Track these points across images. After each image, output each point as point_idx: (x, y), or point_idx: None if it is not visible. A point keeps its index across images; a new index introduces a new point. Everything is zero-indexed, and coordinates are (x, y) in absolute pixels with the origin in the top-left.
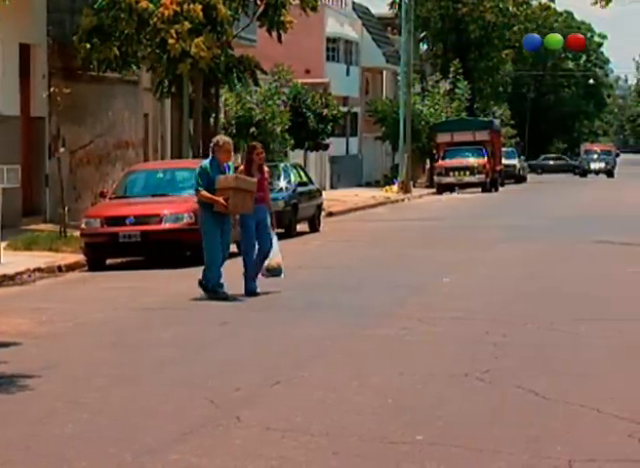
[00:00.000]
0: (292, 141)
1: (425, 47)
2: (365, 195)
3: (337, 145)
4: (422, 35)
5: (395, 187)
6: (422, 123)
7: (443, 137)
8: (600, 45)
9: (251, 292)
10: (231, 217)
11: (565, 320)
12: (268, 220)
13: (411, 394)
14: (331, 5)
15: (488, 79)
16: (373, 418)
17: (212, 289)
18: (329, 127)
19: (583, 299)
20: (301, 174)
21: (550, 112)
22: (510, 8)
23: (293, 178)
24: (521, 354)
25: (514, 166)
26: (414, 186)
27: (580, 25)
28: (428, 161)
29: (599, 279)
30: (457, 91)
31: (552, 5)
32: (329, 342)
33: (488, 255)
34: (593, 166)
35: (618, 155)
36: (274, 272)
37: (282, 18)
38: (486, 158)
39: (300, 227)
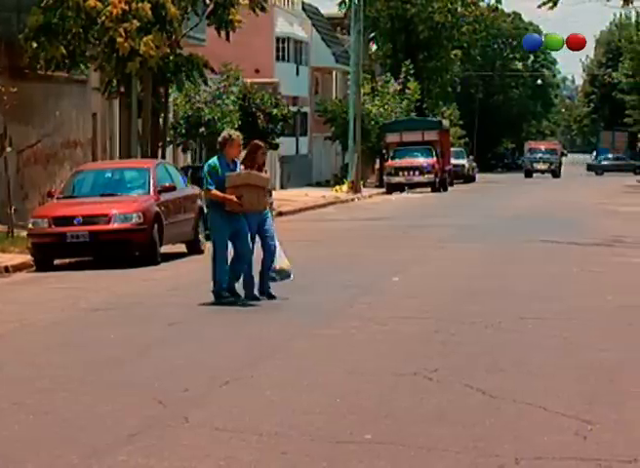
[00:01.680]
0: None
1: (375, 47)
2: (315, 195)
3: (286, 145)
4: (372, 35)
5: (345, 187)
6: (372, 123)
7: (392, 137)
8: None
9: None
10: (242, 218)
11: (513, 318)
12: (270, 220)
13: (359, 393)
14: (280, 5)
15: (437, 79)
16: (321, 418)
17: (217, 292)
18: (279, 127)
19: (531, 298)
20: None
21: (499, 112)
22: (459, 9)
23: None
24: (469, 353)
25: (463, 166)
26: (364, 186)
27: (529, 26)
28: (378, 161)
29: (546, 278)
30: (406, 91)
31: (500, 6)
32: (278, 342)
33: (437, 255)
34: (537, 166)
35: (564, 154)
36: (284, 275)
37: (231, 17)
38: (435, 158)
39: None
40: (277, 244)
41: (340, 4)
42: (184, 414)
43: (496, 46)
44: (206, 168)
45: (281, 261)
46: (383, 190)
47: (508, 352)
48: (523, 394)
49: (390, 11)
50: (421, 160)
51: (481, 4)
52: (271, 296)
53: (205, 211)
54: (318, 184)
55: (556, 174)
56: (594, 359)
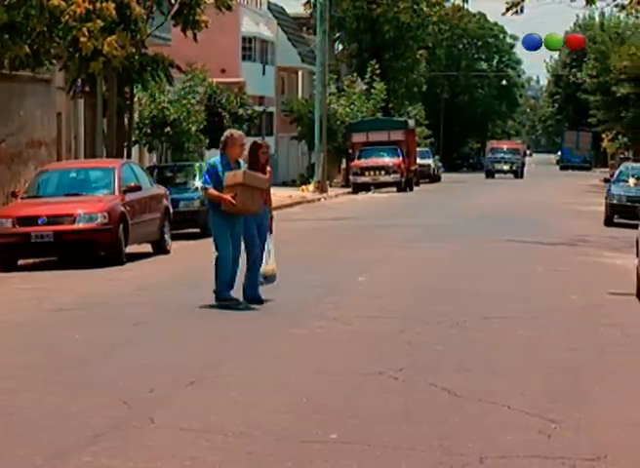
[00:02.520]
0: (207, 141)
1: (341, 47)
2: (281, 194)
3: None
4: (338, 35)
5: (311, 187)
6: (338, 122)
7: (358, 137)
8: (512, 46)
9: (255, 298)
10: (241, 221)
11: (478, 318)
12: (267, 221)
13: (325, 393)
14: (246, 4)
15: (403, 79)
16: (287, 417)
17: (219, 294)
18: (244, 126)
19: (496, 298)
20: None
21: (464, 112)
22: (424, 9)
23: None
24: (435, 352)
25: (429, 165)
26: (330, 186)
27: (493, 27)
28: (344, 160)
29: (511, 277)
30: (372, 91)
31: (466, 6)
32: (244, 342)
33: (403, 255)
34: (499, 166)
35: (527, 154)
36: (270, 279)
37: (197, 17)
38: (401, 158)
39: None
40: (270, 247)
41: (305, 4)
42: (150, 415)
43: (461, 46)
44: (206, 166)
45: (270, 265)
46: (350, 190)
47: (473, 351)
48: (488, 393)
49: (356, 11)
50: (387, 160)
51: (446, 4)
52: (260, 301)
53: (171, 211)
54: (284, 184)
55: (518, 174)
56: (558, 358)
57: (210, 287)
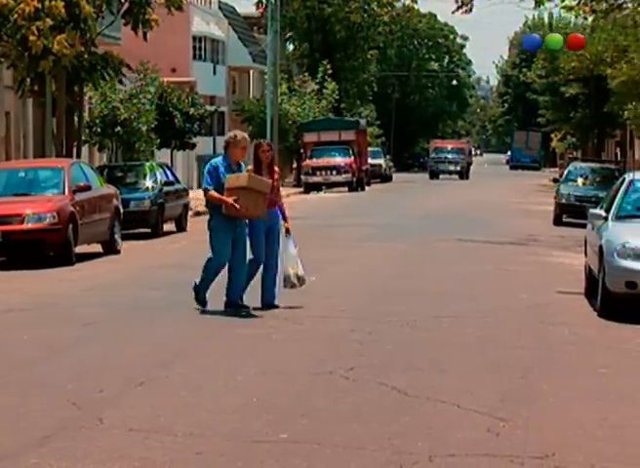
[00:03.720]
0: (158, 141)
1: (292, 47)
2: None
3: (204, 145)
4: (289, 35)
5: None
6: (290, 122)
7: (310, 137)
8: (462, 46)
9: (237, 303)
10: (243, 224)
11: (428, 317)
12: (280, 227)
13: (276, 392)
14: (196, 4)
15: (354, 79)
16: (237, 417)
17: (199, 301)
18: (195, 126)
19: (446, 297)
20: (168, 173)
21: (415, 112)
22: (375, 9)
23: (159, 178)
24: (385, 351)
25: (380, 165)
26: (282, 185)
27: (444, 27)
28: (296, 160)
29: (461, 277)
30: (324, 91)
31: (416, 7)
32: (194, 342)
33: (354, 254)
34: (443, 166)
35: (473, 154)
36: (298, 282)
37: (147, 16)
38: (352, 157)
39: (166, 227)
40: (294, 250)
41: (256, 4)
42: (99, 416)
43: (412, 46)
44: (207, 167)
45: (293, 268)
46: (301, 190)
47: (423, 350)
48: (437, 392)
49: (307, 11)
50: (339, 160)
51: (397, 4)
52: (274, 306)
53: (121, 210)
54: None
55: (464, 175)
56: (507, 357)
57: (161, 286)
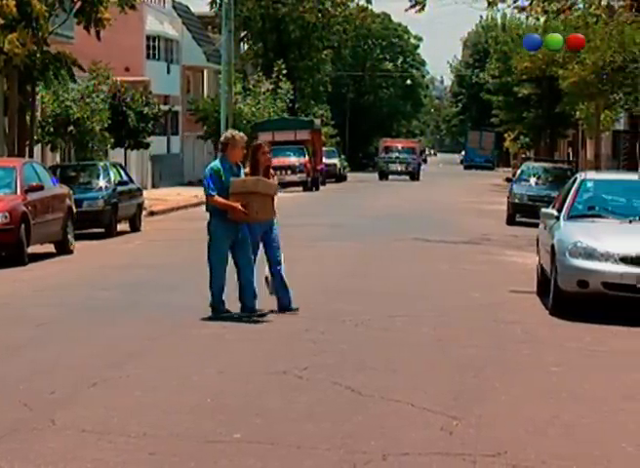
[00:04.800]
0: (112, 140)
1: (247, 46)
2: (187, 194)
3: (158, 144)
4: (243, 34)
5: None
6: (245, 122)
7: (265, 137)
8: (416, 47)
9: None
10: (245, 226)
11: (382, 317)
12: (277, 230)
13: (230, 392)
14: (150, 3)
15: (309, 79)
16: (191, 418)
17: (212, 307)
18: (149, 125)
19: (400, 296)
20: (121, 172)
21: (369, 112)
22: (329, 9)
23: (112, 177)
24: (339, 351)
25: (335, 165)
26: None
27: (397, 27)
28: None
29: (416, 276)
30: (279, 91)
31: (370, 7)
32: (148, 342)
33: (309, 254)
34: (393, 166)
35: (425, 153)
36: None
37: (100, 14)
38: (307, 157)
39: (120, 227)
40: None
41: (210, 3)
42: (51, 417)
43: (366, 46)
44: (208, 171)
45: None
46: None
47: (377, 350)
48: (391, 391)
49: (261, 10)
50: (294, 159)
51: (351, 4)
52: (290, 309)
53: (74, 210)
54: (190, 184)
55: (415, 176)
56: (461, 355)
57: (115, 286)
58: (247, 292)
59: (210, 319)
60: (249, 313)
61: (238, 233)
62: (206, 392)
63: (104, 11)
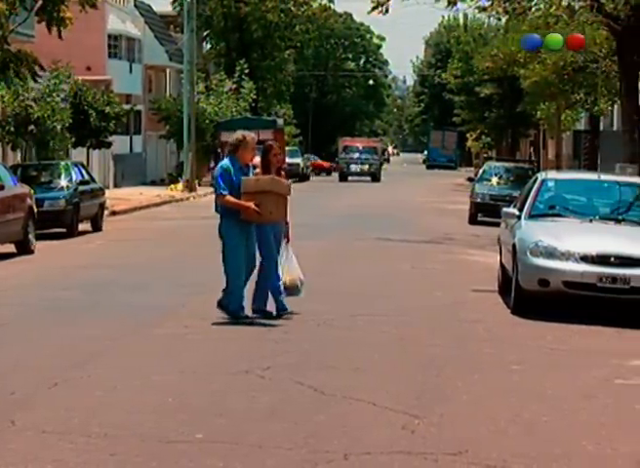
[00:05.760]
0: (73, 139)
1: (209, 46)
2: (150, 194)
3: (120, 144)
4: (206, 34)
5: (180, 186)
6: (207, 121)
7: (227, 136)
8: (379, 47)
9: (284, 309)
10: (254, 227)
11: (344, 316)
12: (282, 233)
13: (192, 392)
14: (112, 2)
15: (271, 78)
16: (153, 418)
17: (234, 312)
18: (111, 125)
19: (362, 296)
20: (83, 172)
21: (332, 111)
22: (292, 8)
23: (74, 177)
24: (301, 350)
25: (298, 164)
26: (199, 185)
27: (360, 27)
28: (213, 160)
29: (379, 275)
30: (241, 90)
31: (332, 6)
32: (110, 342)
33: None
34: (354, 167)
35: (387, 153)
36: (293, 291)
37: (61, 13)
38: None
39: (82, 227)
40: (291, 255)
41: (172, 2)
42: (11, 418)
43: (328, 46)
44: (218, 170)
45: (291, 276)
46: None
47: (340, 349)
48: (353, 390)
49: (223, 10)
50: (257, 159)
51: (313, 4)
52: (268, 313)
53: (35, 210)
54: (153, 183)
55: (376, 177)
56: (423, 354)
57: (76, 286)
58: (258, 295)
59: (227, 323)
60: (261, 314)
61: (249, 236)
62: (168, 392)
63: (66, 9)
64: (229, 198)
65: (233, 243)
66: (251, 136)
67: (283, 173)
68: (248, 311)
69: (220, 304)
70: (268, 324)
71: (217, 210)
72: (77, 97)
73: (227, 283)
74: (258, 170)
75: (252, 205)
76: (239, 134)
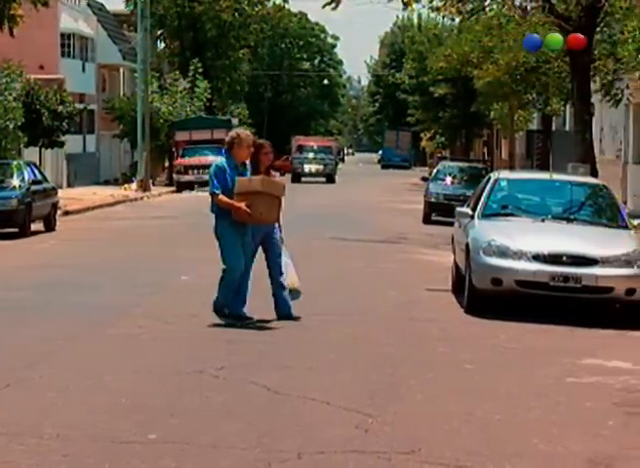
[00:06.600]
0: (25, 139)
1: (163, 45)
2: (103, 193)
3: (73, 143)
4: (160, 33)
5: (134, 185)
6: (161, 121)
7: (182, 136)
8: (334, 46)
9: (239, 315)
10: (250, 228)
11: (299, 315)
12: (277, 234)
13: (145, 392)
14: (64, 0)
15: (226, 78)
16: (105, 418)
17: (217, 308)
18: (64, 124)
19: (317, 295)
20: (36, 171)
21: (288, 111)
22: (246, 8)
23: (26, 176)
24: (255, 350)
25: None
26: (153, 184)
27: (315, 27)
28: (167, 159)
29: (333, 275)
30: (196, 89)
31: (287, 6)
32: (63, 342)
33: None
34: (308, 168)
35: (344, 152)
36: (292, 295)
37: (12, 11)
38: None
39: (34, 227)
40: (288, 260)
41: (126, 1)
42: None
43: (283, 45)
44: (213, 168)
45: (290, 279)
46: (173, 189)
47: (294, 349)
48: (308, 390)
49: (177, 9)
50: (211, 158)
51: (267, 3)
52: (292, 317)
53: None
54: (106, 183)
55: (332, 178)
56: (377, 353)
57: (28, 287)
58: (237, 299)
59: (226, 325)
60: (235, 319)
61: (244, 236)
62: (121, 392)
63: (17, 7)
64: (222, 197)
65: (230, 242)
66: (245, 133)
67: (274, 173)
68: (249, 313)
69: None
70: (224, 324)
71: (212, 210)
72: (29, 96)
73: (225, 283)
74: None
75: (242, 205)
76: (233, 132)
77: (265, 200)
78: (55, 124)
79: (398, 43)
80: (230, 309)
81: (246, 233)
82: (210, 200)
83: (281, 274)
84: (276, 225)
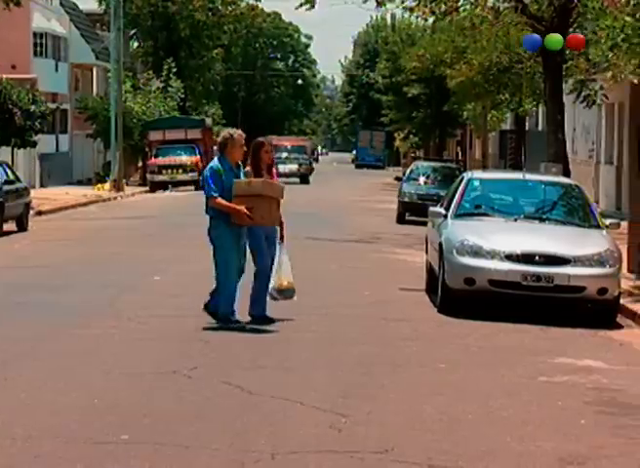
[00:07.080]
0: None
1: (136, 44)
2: (76, 193)
3: (46, 143)
4: (133, 32)
5: (107, 185)
6: (135, 121)
7: (155, 135)
8: (307, 46)
9: (262, 316)
10: (246, 231)
11: (272, 315)
12: (277, 234)
13: (118, 393)
14: None
15: (199, 78)
16: (78, 419)
17: (223, 317)
18: (37, 124)
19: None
20: (8, 171)
21: (261, 111)
22: (220, 7)
23: None
24: (229, 350)
25: None
26: (127, 184)
27: (288, 26)
28: (141, 159)
29: (306, 274)
30: (169, 89)
31: (260, 5)
32: (35, 343)
33: (199, 254)
34: (283, 168)
35: (317, 152)
36: (286, 293)
37: None
38: (198, 156)
39: (6, 227)
40: (286, 259)
41: (99, 0)
42: None
43: (257, 45)
44: (208, 171)
45: (285, 278)
46: (147, 189)
47: (268, 349)
48: (281, 390)
49: (151, 8)
50: (185, 158)
51: (241, 3)
52: (268, 319)
53: None
54: (79, 183)
55: (306, 178)
56: (350, 353)
57: (1, 287)
58: (224, 301)
59: (218, 328)
60: (223, 322)
61: (240, 238)
62: (93, 393)
63: None
64: (220, 200)
65: (225, 246)
66: (238, 132)
67: (274, 170)
68: (241, 316)
69: (207, 308)
70: (210, 326)
71: (207, 212)
72: (1, 96)
73: (217, 286)
74: (247, 168)
75: (243, 208)
76: (226, 131)
77: (266, 202)
78: (27, 123)
79: (372, 43)
80: (215, 309)
81: (242, 235)
82: (204, 202)
83: (268, 277)
84: (277, 227)
